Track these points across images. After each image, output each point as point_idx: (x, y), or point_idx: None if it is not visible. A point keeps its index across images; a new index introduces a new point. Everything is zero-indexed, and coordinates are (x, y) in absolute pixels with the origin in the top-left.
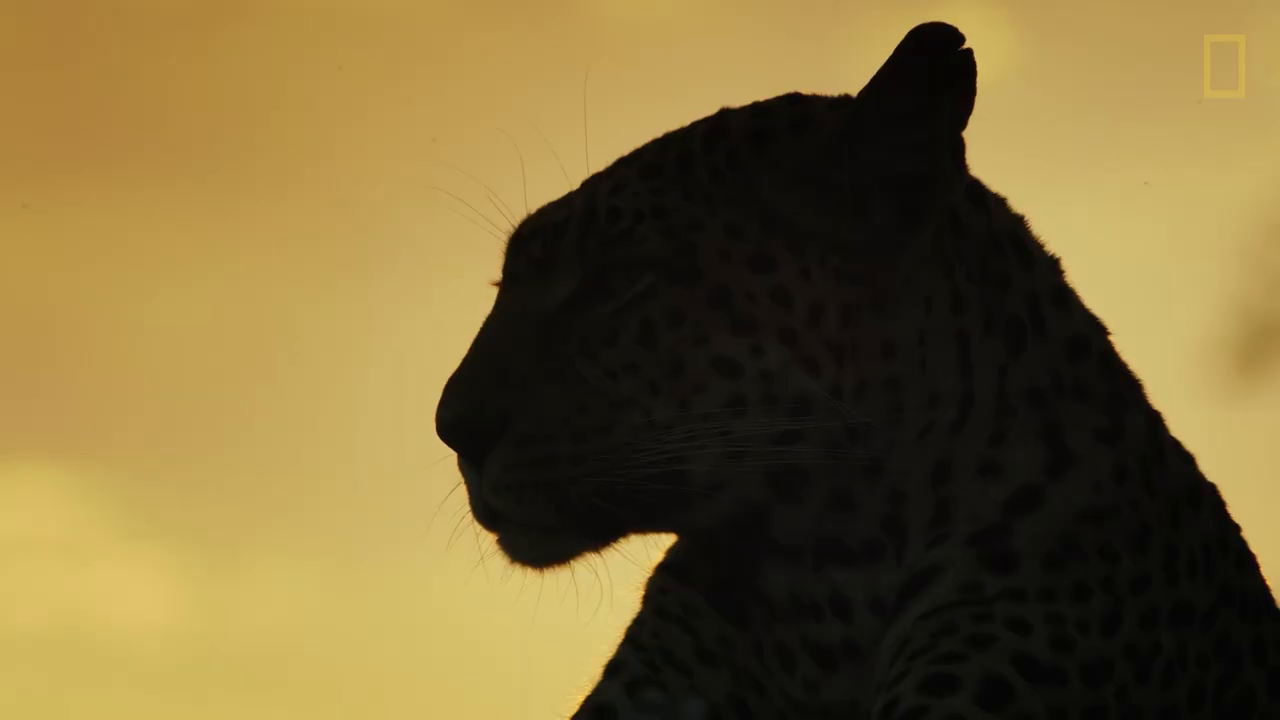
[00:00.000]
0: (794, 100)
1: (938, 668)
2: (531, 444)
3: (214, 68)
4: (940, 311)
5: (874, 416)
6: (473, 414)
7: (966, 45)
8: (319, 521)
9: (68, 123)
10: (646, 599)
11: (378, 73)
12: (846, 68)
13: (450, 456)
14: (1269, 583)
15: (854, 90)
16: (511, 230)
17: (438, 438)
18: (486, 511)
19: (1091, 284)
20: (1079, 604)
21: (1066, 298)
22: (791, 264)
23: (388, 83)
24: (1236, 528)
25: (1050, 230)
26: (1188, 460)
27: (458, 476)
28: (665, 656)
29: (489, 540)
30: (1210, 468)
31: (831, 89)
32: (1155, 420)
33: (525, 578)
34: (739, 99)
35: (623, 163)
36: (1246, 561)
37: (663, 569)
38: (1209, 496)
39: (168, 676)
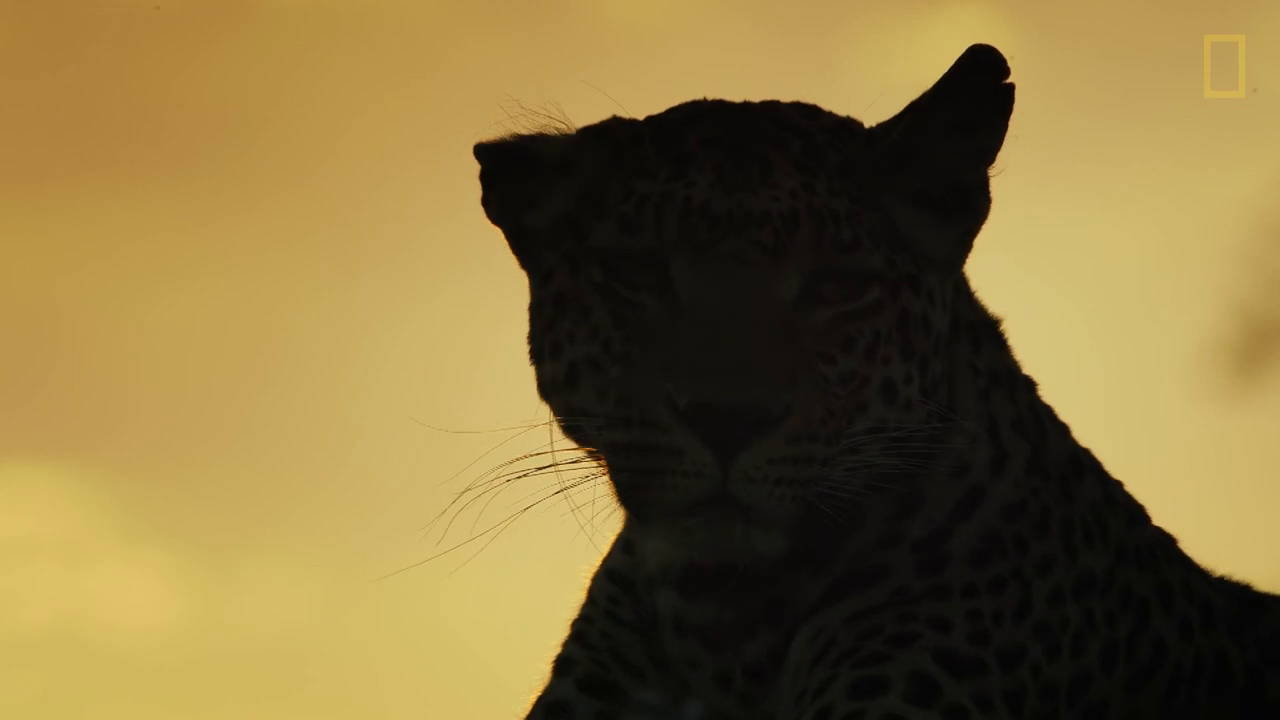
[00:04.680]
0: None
1: (865, 671)
2: (799, 441)
3: (215, 71)
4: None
5: (922, 431)
6: (762, 403)
7: (1010, 79)
8: (318, 525)
9: (68, 126)
10: (593, 601)
11: (378, 74)
12: (846, 68)
13: (448, 456)
14: (1267, 583)
15: (854, 92)
16: (671, 195)
17: (675, 409)
18: (722, 500)
19: (1091, 284)
20: (995, 597)
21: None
22: (925, 285)
23: (388, 84)
24: (1118, 483)
25: (1050, 230)
26: (1063, 430)
27: (457, 478)
28: (615, 656)
29: (666, 526)
30: (1210, 469)
31: (831, 89)
32: (1033, 392)
33: (535, 578)
34: (739, 99)
35: (760, 151)
36: (1135, 514)
37: (609, 576)
38: (1087, 461)
39: (166, 679)
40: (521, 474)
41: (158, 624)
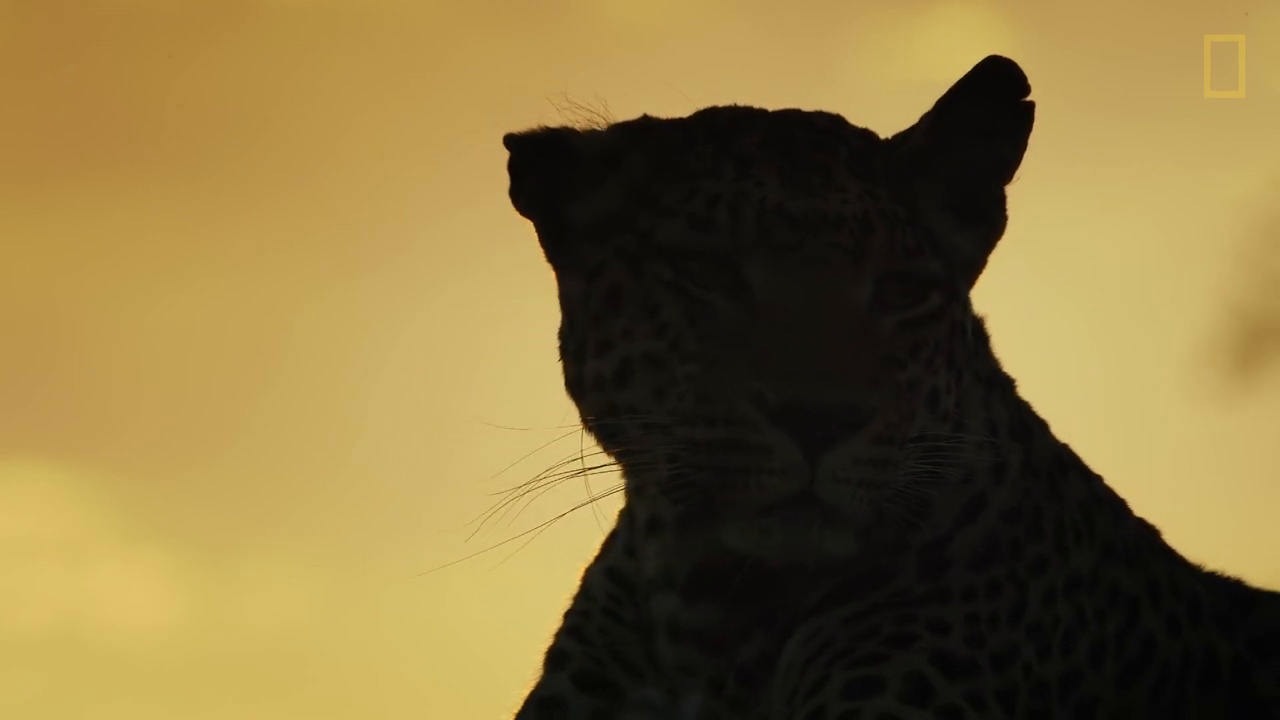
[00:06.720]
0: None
1: (860, 671)
2: (880, 444)
3: (215, 71)
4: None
5: (952, 441)
6: (854, 404)
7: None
8: (318, 525)
9: (68, 126)
10: (590, 596)
11: (378, 74)
12: (846, 68)
13: (448, 456)
14: (1266, 582)
15: (854, 92)
16: (753, 197)
17: (769, 407)
18: (804, 499)
19: (1092, 284)
20: (992, 600)
21: None
22: (961, 293)
23: (388, 84)
24: (1098, 478)
25: (1050, 230)
26: (1043, 427)
27: (457, 479)
28: (613, 654)
29: (738, 526)
30: (1208, 468)
31: (831, 89)
32: (1014, 390)
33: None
34: (739, 100)
35: (813, 156)
36: (1118, 509)
37: (609, 575)
38: (1069, 458)
39: (166, 679)
40: (571, 475)
41: (158, 624)
